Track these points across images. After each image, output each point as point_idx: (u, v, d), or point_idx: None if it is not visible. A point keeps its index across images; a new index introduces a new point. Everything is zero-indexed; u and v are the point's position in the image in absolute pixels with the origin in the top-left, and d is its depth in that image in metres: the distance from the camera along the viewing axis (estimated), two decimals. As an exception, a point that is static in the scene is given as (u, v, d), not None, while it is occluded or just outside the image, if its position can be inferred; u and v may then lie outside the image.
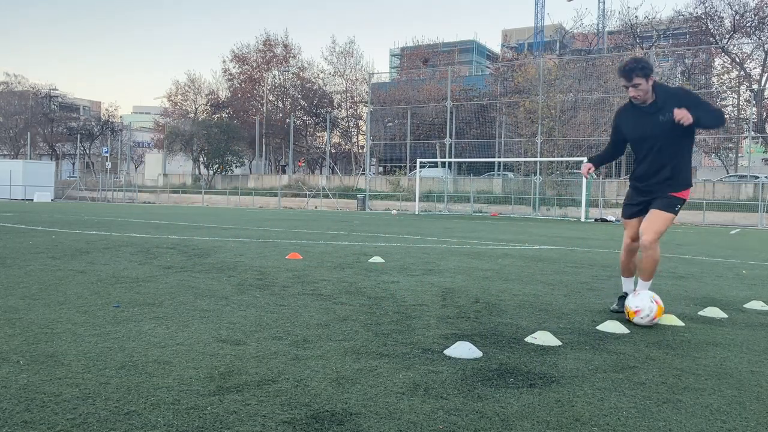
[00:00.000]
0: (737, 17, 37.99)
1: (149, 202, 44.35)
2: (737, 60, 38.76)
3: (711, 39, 39.08)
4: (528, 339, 3.52)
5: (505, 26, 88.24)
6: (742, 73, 38.94)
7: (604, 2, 51.87)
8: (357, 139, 55.21)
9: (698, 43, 38.94)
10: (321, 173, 52.91)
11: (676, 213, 4.20)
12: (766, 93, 37.74)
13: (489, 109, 43.56)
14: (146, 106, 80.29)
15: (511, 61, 48.31)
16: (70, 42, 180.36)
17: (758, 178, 32.46)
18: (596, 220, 27.76)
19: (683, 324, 4.11)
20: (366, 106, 45.47)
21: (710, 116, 4.00)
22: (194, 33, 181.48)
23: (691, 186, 4.27)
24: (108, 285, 5.07)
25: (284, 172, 52.22)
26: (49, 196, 44.78)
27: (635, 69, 4.10)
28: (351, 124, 54.80)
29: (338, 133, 55.15)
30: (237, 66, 56.39)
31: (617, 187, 34.34)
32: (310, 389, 2.55)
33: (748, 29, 38.12)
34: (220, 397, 2.43)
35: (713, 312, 4.52)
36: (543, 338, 3.49)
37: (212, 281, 5.43)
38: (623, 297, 4.40)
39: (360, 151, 53.51)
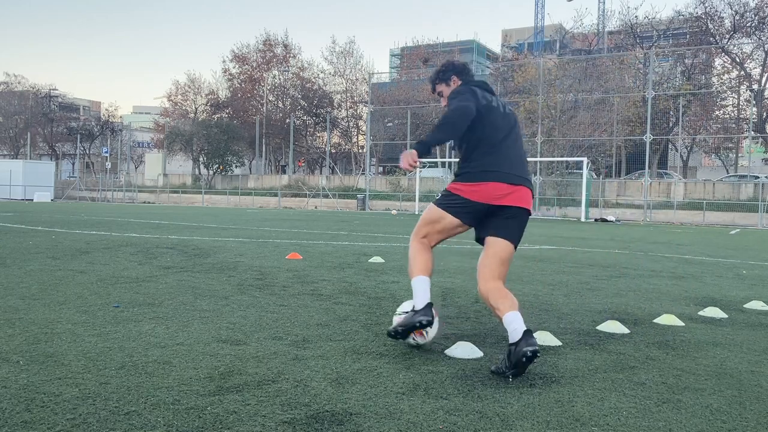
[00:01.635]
0: (737, 17, 37.97)
1: (149, 202, 44.35)
2: (737, 60, 38.74)
3: (711, 39, 39.06)
4: (528, 339, 3.51)
5: (505, 26, 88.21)
6: (742, 73, 38.92)
7: (604, 2, 51.86)
8: (357, 139, 55.21)
9: (698, 43, 38.93)
10: (321, 173, 52.92)
11: (435, 202, 3.44)
12: (766, 93, 37.72)
13: (489, 109, 43.44)
14: (146, 106, 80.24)
15: (511, 61, 48.29)
16: (70, 42, 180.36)
17: (758, 178, 32.48)
18: (596, 220, 27.77)
19: (683, 324, 4.11)
20: (366, 106, 45.46)
21: (434, 134, 3.18)
22: (194, 33, 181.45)
23: (464, 180, 3.31)
24: (108, 285, 5.07)
25: (284, 172, 52.24)
26: (49, 196, 44.77)
27: (435, 79, 3.58)
28: (351, 124, 54.79)
29: (338, 133, 55.14)
30: (237, 66, 56.39)
31: (617, 188, 34.36)
32: (310, 389, 2.55)
33: (748, 29, 38.10)
34: (220, 397, 2.43)
35: (713, 312, 4.52)
36: (543, 338, 3.49)
37: (212, 281, 5.43)
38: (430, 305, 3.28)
39: (360, 151, 53.49)
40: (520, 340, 2.83)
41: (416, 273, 3.36)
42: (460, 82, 3.50)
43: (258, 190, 44.88)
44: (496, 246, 3.30)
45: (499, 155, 3.29)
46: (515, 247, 3.32)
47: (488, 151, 3.29)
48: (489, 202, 3.26)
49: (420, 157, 3.10)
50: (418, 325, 3.19)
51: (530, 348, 2.77)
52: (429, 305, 3.24)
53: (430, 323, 3.20)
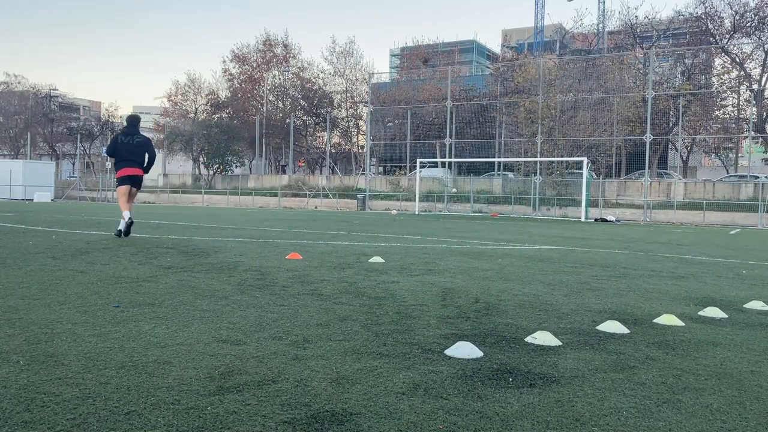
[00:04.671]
0: (737, 17, 37.96)
1: (149, 202, 44.34)
2: (737, 60, 38.73)
3: (711, 39, 39.06)
4: (528, 339, 3.52)
5: (505, 26, 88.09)
6: (742, 73, 38.91)
7: (604, 2, 51.88)
8: (357, 139, 55.20)
9: (698, 43, 38.92)
10: (321, 173, 52.91)
11: (118, 184, 9.89)
12: (766, 93, 37.71)
13: (489, 109, 43.54)
14: (146, 106, 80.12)
15: (511, 61, 48.29)
16: (70, 42, 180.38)
17: (758, 178, 32.49)
18: (596, 220, 27.77)
19: (683, 324, 4.11)
20: (366, 106, 45.45)
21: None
22: (194, 33, 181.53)
23: (118, 171, 9.88)
24: (108, 285, 5.07)
25: (284, 172, 52.22)
26: (49, 196, 44.77)
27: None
28: (351, 124, 54.78)
29: (338, 133, 55.12)
30: (237, 66, 56.39)
31: (617, 188, 34.37)
32: (310, 389, 2.55)
33: (748, 29, 38.09)
34: (220, 397, 2.43)
35: (713, 312, 4.52)
36: (543, 338, 3.49)
37: (212, 281, 5.43)
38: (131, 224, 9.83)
39: (360, 151, 53.49)
40: (129, 224, 9.74)
41: (124, 209, 9.70)
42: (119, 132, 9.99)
43: (258, 190, 44.87)
44: (133, 190, 10.03)
45: (127, 159, 9.80)
46: (139, 188, 10.17)
47: (123, 159, 9.81)
48: (128, 174, 9.84)
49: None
50: (125, 230, 9.70)
51: (125, 228, 9.78)
52: (129, 222, 9.71)
53: (128, 232, 9.81)
